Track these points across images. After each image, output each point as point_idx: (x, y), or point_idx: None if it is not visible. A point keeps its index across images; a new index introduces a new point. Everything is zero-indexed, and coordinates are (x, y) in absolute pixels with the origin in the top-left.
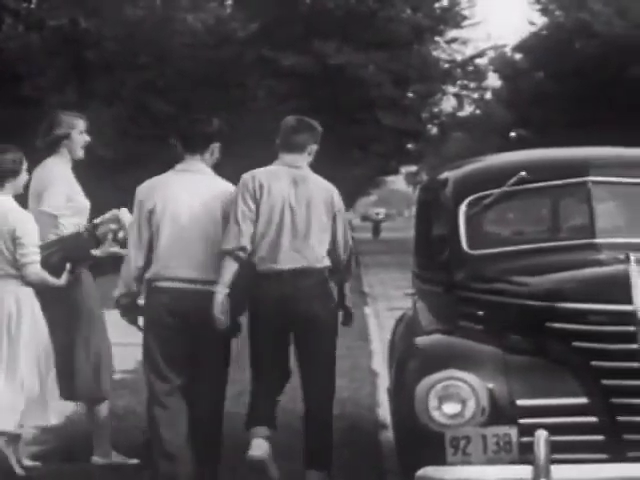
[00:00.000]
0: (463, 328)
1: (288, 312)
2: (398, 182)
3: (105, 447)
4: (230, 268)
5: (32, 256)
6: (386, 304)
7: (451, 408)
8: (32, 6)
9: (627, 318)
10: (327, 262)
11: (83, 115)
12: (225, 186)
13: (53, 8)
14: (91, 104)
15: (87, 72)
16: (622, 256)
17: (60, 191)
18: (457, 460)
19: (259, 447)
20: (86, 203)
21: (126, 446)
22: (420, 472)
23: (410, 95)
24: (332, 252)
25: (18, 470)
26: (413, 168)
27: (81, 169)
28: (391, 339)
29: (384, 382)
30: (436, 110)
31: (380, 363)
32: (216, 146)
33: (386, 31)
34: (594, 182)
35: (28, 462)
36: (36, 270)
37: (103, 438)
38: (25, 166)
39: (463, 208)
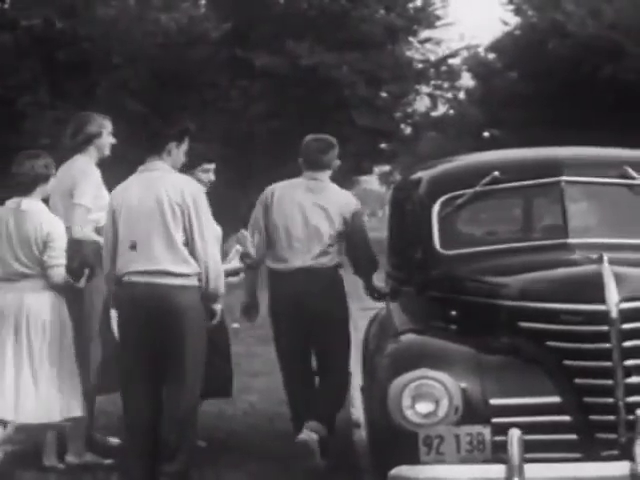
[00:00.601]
0: (436, 328)
1: (301, 309)
2: (372, 182)
3: (79, 447)
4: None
5: (60, 259)
6: (359, 304)
7: (424, 407)
8: (5, 6)
9: (600, 318)
10: (336, 260)
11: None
12: (183, 180)
13: (26, 8)
14: (64, 104)
15: (60, 72)
16: (595, 256)
17: (91, 187)
18: (430, 459)
19: (309, 434)
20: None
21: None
22: (393, 471)
23: (383, 95)
24: (350, 251)
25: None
26: (387, 168)
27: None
28: (364, 339)
29: (358, 381)
30: (409, 110)
31: (354, 362)
32: (172, 146)
33: (359, 31)
34: (567, 182)
35: None
36: (62, 272)
37: (77, 438)
38: (54, 170)
39: (436, 208)
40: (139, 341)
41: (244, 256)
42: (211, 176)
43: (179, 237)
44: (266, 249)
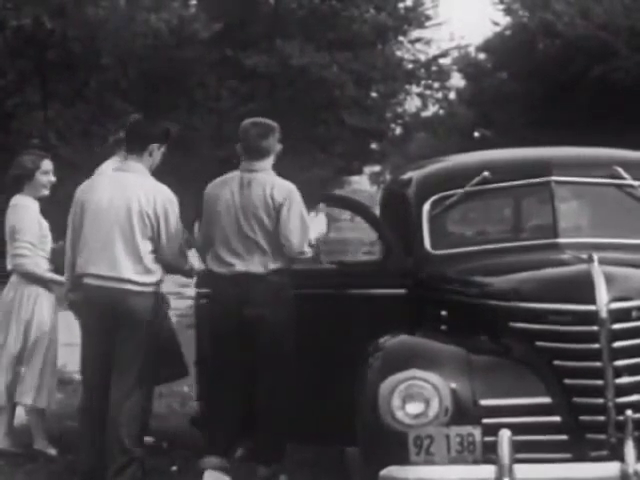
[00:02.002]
0: (426, 328)
1: (237, 314)
2: (362, 182)
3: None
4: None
5: (20, 250)
6: None
7: (414, 408)
8: None
9: (589, 318)
10: (275, 265)
11: None
12: (157, 188)
13: (16, 8)
14: (53, 104)
15: (49, 72)
16: (585, 256)
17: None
18: (420, 460)
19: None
20: None
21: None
22: (384, 472)
23: (373, 95)
24: (286, 248)
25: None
26: (377, 168)
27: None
28: None
29: None
30: (400, 110)
31: None
32: (155, 147)
33: (349, 31)
34: (557, 182)
35: None
36: (22, 262)
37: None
38: (45, 169)
39: (426, 208)
40: (95, 341)
41: None
42: None
43: (145, 247)
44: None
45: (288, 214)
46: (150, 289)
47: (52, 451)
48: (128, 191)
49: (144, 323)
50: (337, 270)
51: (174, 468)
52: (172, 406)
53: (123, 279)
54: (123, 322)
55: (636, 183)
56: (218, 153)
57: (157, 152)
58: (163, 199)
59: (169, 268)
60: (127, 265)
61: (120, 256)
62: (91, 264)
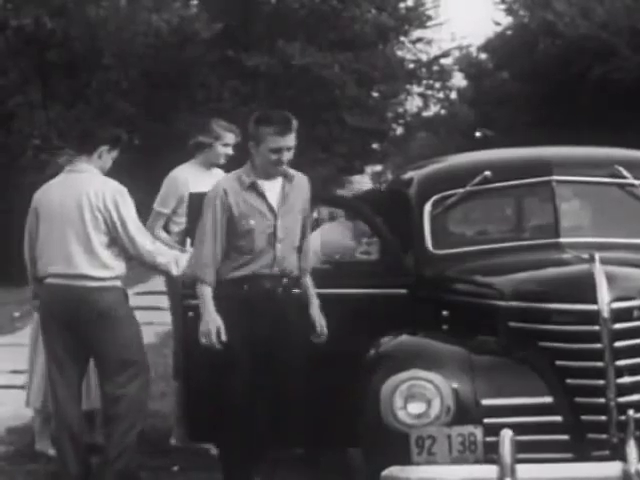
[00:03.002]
0: (428, 328)
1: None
2: (363, 182)
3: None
4: None
5: None
6: None
7: (416, 408)
8: None
9: (591, 318)
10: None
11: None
12: (105, 182)
13: (16, 8)
14: (54, 105)
15: (50, 72)
16: (586, 255)
17: None
18: (422, 460)
19: None
20: None
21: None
22: (385, 472)
23: (375, 95)
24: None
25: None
26: (378, 168)
27: (42, 171)
28: None
29: None
30: (401, 110)
31: None
32: (104, 150)
33: (350, 31)
34: (558, 181)
35: None
36: None
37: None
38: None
39: (427, 208)
40: (60, 341)
41: None
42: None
43: (99, 241)
44: None
45: None
46: (108, 283)
47: (52, 452)
48: (77, 189)
49: (111, 318)
50: (333, 270)
51: (175, 468)
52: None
53: (80, 275)
54: (89, 319)
55: (637, 182)
56: None
57: (106, 155)
58: (112, 191)
59: (144, 265)
60: (82, 260)
61: (75, 252)
62: (50, 265)
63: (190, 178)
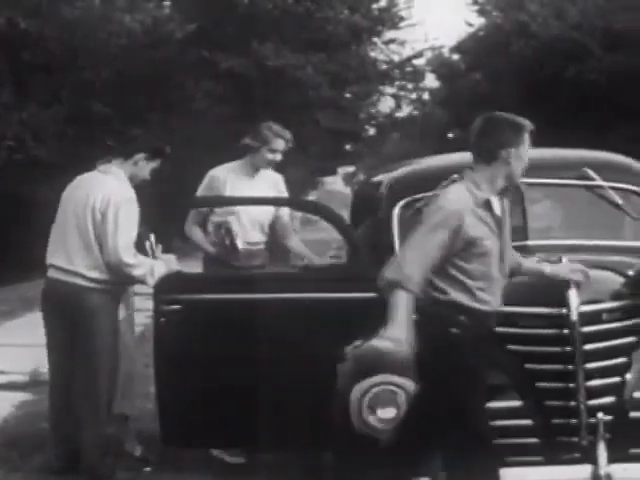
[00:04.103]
0: None
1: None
2: (336, 183)
3: None
4: None
5: None
6: None
7: (386, 413)
8: None
9: (561, 321)
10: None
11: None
12: (116, 188)
13: None
14: (28, 105)
15: (25, 73)
16: (554, 258)
17: None
18: None
19: None
20: None
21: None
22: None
23: (348, 96)
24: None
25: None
26: (351, 169)
27: (16, 171)
28: None
29: None
30: (373, 111)
31: None
32: (141, 157)
33: (324, 32)
34: (527, 183)
35: None
36: None
37: None
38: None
39: (397, 211)
40: (55, 336)
41: None
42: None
43: (99, 243)
44: None
45: None
46: (101, 286)
47: (138, 451)
48: (91, 189)
49: (94, 322)
50: (302, 274)
51: (148, 469)
52: None
53: (75, 272)
54: (75, 318)
55: (605, 184)
56: (192, 154)
57: (143, 163)
58: (119, 199)
59: (120, 276)
60: (79, 258)
61: (74, 249)
62: (52, 256)
63: (230, 179)
